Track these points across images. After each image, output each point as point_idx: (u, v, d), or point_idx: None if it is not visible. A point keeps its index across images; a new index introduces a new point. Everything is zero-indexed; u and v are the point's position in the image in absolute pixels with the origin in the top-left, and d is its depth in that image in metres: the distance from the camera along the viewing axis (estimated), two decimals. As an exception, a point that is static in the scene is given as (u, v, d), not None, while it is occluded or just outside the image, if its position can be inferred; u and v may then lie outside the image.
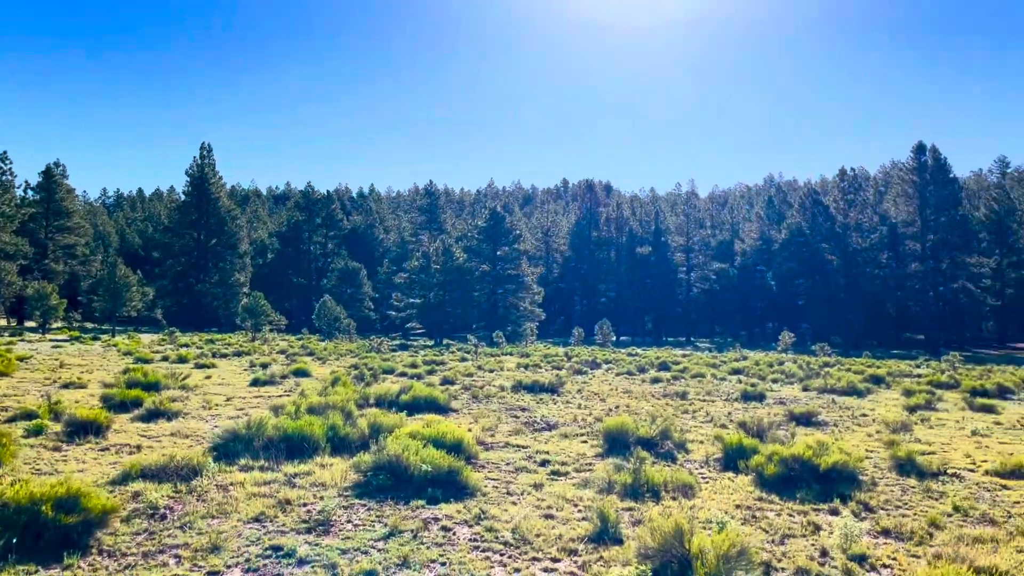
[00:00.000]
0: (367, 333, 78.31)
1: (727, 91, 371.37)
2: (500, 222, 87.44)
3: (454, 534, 7.28)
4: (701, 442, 13.12)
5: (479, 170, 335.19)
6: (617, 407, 18.18)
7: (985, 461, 11.85)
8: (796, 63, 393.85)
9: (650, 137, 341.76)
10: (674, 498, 8.92)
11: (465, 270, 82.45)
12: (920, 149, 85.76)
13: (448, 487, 8.81)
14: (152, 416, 13.98)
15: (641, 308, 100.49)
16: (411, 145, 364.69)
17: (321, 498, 8.26)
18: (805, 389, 24.77)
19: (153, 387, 17.87)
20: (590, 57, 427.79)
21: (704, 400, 20.85)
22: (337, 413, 12.52)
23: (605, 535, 7.15)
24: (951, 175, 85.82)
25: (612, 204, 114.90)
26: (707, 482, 10.09)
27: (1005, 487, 10.16)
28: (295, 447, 10.53)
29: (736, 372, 32.21)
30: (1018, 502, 9.31)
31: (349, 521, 7.52)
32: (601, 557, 6.69)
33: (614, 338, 70.74)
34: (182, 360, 28.99)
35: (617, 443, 12.13)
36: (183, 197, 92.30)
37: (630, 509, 8.41)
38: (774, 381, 28.22)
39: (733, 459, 11.02)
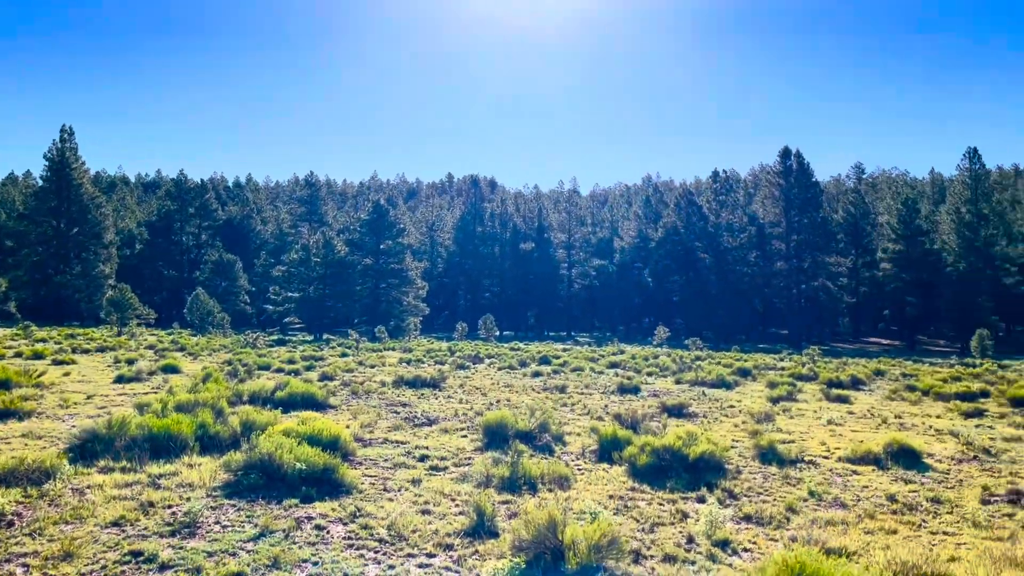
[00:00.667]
0: (243, 328, 75.68)
1: (609, 92, 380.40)
2: (383, 215, 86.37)
3: (328, 532, 7.13)
4: (578, 434, 13.40)
5: (362, 162, 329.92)
6: (498, 401, 18.31)
7: (838, 448, 12.64)
8: (675, 66, 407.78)
9: (535, 135, 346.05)
10: (550, 490, 9.07)
11: (347, 263, 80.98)
12: (786, 154, 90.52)
13: (323, 485, 8.63)
14: (1, 416, 13.02)
15: (524, 303, 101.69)
16: (291, 135, 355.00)
17: (188, 499, 7.92)
18: (678, 382, 25.71)
19: (3, 385, 16.63)
20: (476, 52, 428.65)
21: (583, 393, 21.29)
22: (207, 411, 12.03)
23: (481, 529, 7.19)
24: (813, 179, 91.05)
25: (497, 200, 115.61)
26: (583, 473, 10.30)
27: (855, 472, 10.87)
28: (161, 447, 10.05)
29: (614, 366, 33.07)
30: (867, 486, 9.98)
31: (217, 522, 7.24)
32: (476, 551, 6.72)
33: (498, 333, 71.30)
34: (38, 356, 27.12)
35: (497, 437, 12.21)
36: (40, 182, 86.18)
37: (507, 502, 8.49)
38: (649, 374, 29.15)
39: (608, 450, 11.31)
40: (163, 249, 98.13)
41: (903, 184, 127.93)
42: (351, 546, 6.78)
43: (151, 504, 7.68)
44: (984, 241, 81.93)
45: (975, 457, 12.27)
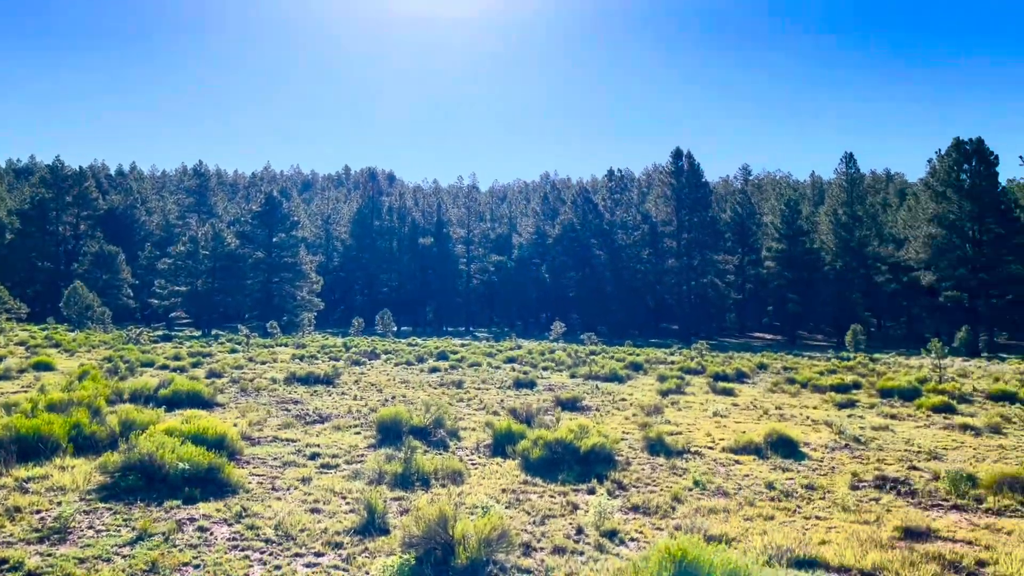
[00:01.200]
0: (125, 323, 72.20)
1: (509, 90, 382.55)
2: (276, 207, 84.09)
3: (212, 534, 6.90)
4: (473, 429, 13.43)
5: (256, 153, 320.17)
6: (394, 397, 18.16)
7: (723, 439, 13.14)
8: (572, 66, 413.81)
9: (434, 129, 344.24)
10: (444, 485, 9.06)
11: (237, 256, 78.46)
12: (678, 154, 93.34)
13: (208, 486, 8.34)
14: None
15: (422, 298, 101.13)
16: (180, 124, 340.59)
17: (59, 504, 7.50)
18: (573, 376, 26.15)
19: None
20: (376, 44, 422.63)
21: (479, 388, 21.36)
22: (83, 410, 11.41)
23: (372, 526, 7.10)
24: (703, 180, 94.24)
25: (395, 194, 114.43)
26: (477, 468, 10.34)
27: (737, 462, 11.32)
28: (30, 448, 9.47)
29: (511, 361, 33.32)
30: (748, 475, 10.41)
31: (91, 527, 6.89)
32: (366, 548, 6.64)
33: (395, 328, 70.61)
34: None
35: (391, 433, 12.10)
36: None
37: (399, 499, 8.43)
38: (545, 369, 29.52)
39: (502, 445, 11.39)
40: (37, 240, 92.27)
41: (786, 186, 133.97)
42: (236, 547, 6.58)
43: (17, 509, 7.24)
44: (858, 241, 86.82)
45: (847, 445, 13.00)
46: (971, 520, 8.34)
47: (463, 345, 47.78)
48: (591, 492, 9.07)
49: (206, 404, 15.39)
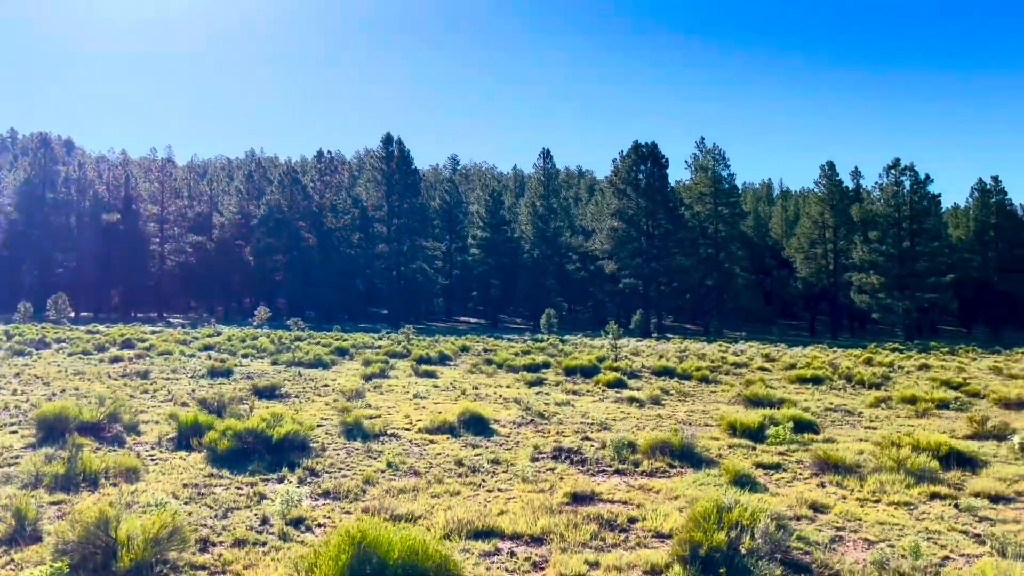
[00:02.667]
0: None
1: (211, 58, 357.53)
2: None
3: None
4: (157, 422, 12.49)
5: None
6: (63, 391, 16.29)
7: (420, 420, 13.50)
8: (283, 39, 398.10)
9: (122, 94, 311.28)
10: (115, 484, 8.31)
11: None
12: (388, 140, 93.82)
13: None
14: None
15: (107, 281, 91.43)
16: None
17: None
18: (275, 363, 25.30)
19: None
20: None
21: (168, 378, 19.91)
22: None
23: (22, 534, 6.32)
24: (413, 167, 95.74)
25: (74, 164, 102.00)
26: (156, 463, 9.63)
27: (432, 442, 11.70)
28: None
29: (208, 348, 31.44)
30: (440, 454, 10.80)
31: None
32: (12, 560, 5.89)
33: (72, 314, 63.25)
34: None
35: (54, 431, 10.81)
36: None
37: (60, 502, 7.61)
38: (245, 356, 28.25)
39: (188, 437, 10.71)
40: None
41: (491, 177, 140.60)
42: None
43: None
44: (553, 232, 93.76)
45: (532, 421, 13.99)
46: (628, 482, 9.39)
47: (154, 332, 44.13)
48: (281, 481, 8.86)
49: None
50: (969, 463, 10.51)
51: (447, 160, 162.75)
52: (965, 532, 7.46)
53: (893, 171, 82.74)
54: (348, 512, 7.66)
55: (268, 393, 16.80)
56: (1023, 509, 8.43)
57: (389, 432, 12.33)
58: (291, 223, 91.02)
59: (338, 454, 10.53)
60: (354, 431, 12.04)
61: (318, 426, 12.49)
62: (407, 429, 12.78)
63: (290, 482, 8.71)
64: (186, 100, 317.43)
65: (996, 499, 8.79)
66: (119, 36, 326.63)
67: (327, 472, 9.42)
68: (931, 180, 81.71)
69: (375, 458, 10.32)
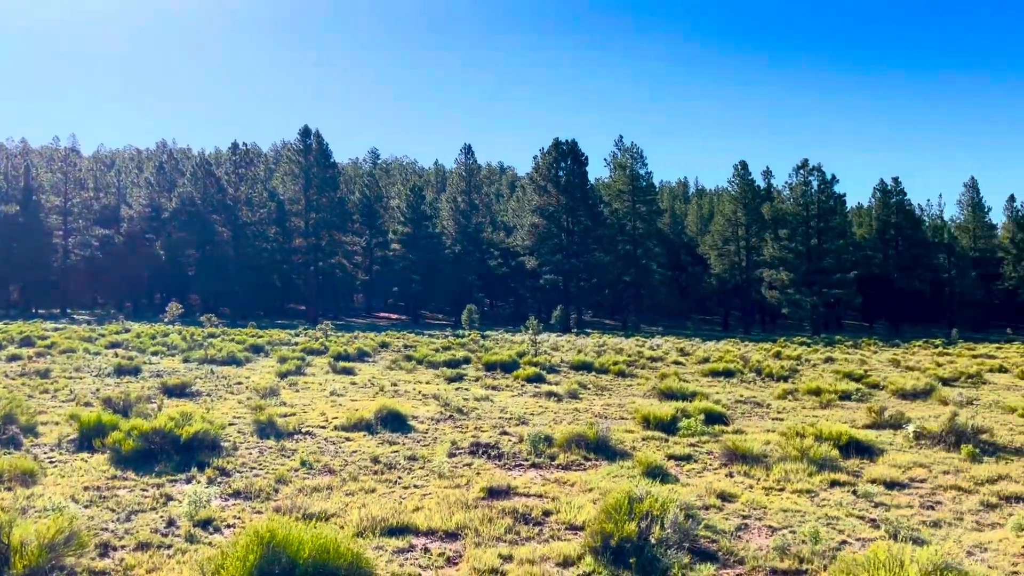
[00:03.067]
0: None
1: (120, 41, 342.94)
2: None
3: None
4: (57, 423, 11.97)
5: None
6: (-46, 392, 15.42)
7: (337, 418, 13.31)
8: (191, 30, 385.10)
9: (21, 78, 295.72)
10: (9, 488, 7.93)
11: None
12: (306, 133, 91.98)
13: None
14: None
15: (6, 276, 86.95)
16: None
17: None
18: (187, 360, 24.57)
19: None
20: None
21: (71, 377, 19.11)
22: None
23: (-96, 546, 5.95)
24: (332, 160, 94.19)
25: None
26: (56, 466, 9.24)
27: (348, 439, 11.56)
28: None
29: (115, 345, 30.29)
30: (356, 451, 10.69)
31: None
32: None
33: (-34, 310, 59.84)
34: None
35: (-56, 434, 10.26)
36: None
37: (-52, 510, 7.19)
38: (155, 354, 27.33)
39: (90, 438, 10.29)
40: None
41: (412, 172, 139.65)
42: None
43: None
44: (474, 227, 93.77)
45: (450, 416, 13.99)
46: (544, 476, 9.49)
47: (57, 329, 42.21)
48: (189, 481, 8.61)
49: None
50: (867, 451, 11.01)
51: (367, 154, 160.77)
52: (862, 517, 7.81)
53: (802, 171, 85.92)
54: (259, 512, 7.50)
55: (178, 392, 16.29)
56: (915, 494, 8.88)
57: (304, 430, 12.13)
58: (204, 216, 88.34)
59: (250, 453, 10.30)
60: (268, 429, 11.80)
61: (230, 425, 12.19)
62: (323, 427, 12.59)
63: (199, 482, 8.48)
64: (92, 88, 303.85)
65: (891, 485, 9.23)
66: (17, 13, 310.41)
67: (238, 471, 9.20)
68: (836, 180, 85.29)
69: (289, 456, 10.14)
